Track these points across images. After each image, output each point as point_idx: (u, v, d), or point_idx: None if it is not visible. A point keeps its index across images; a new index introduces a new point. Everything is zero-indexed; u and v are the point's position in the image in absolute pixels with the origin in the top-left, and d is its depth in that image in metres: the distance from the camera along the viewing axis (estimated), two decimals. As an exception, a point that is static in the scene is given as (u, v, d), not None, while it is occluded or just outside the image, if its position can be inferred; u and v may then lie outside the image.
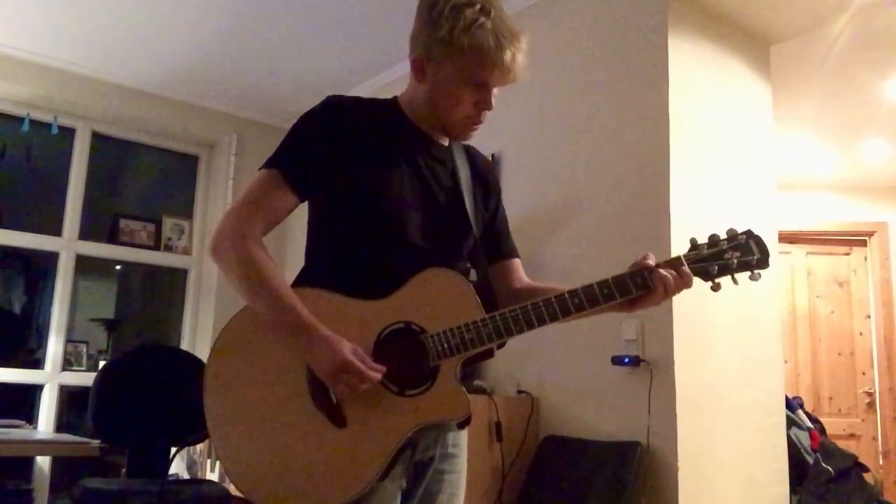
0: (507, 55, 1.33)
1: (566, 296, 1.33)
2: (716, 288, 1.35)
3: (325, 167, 1.38)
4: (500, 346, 1.37)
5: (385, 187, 1.38)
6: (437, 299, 1.34)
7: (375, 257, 1.38)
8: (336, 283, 1.35)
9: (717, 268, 1.34)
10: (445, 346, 1.31)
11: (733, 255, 1.34)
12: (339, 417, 1.28)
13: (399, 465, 1.32)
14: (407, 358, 1.31)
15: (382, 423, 1.28)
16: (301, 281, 1.41)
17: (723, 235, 1.36)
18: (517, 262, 1.58)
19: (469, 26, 1.32)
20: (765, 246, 1.35)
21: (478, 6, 1.33)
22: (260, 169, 1.40)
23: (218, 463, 3.84)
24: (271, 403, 1.31)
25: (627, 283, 1.33)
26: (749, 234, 1.36)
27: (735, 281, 1.35)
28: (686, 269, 1.34)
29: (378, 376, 1.26)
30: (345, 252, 1.39)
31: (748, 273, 1.35)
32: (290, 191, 1.37)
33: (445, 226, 1.44)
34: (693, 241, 1.37)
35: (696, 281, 1.34)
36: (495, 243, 1.56)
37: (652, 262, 1.34)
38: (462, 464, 1.48)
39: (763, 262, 1.34)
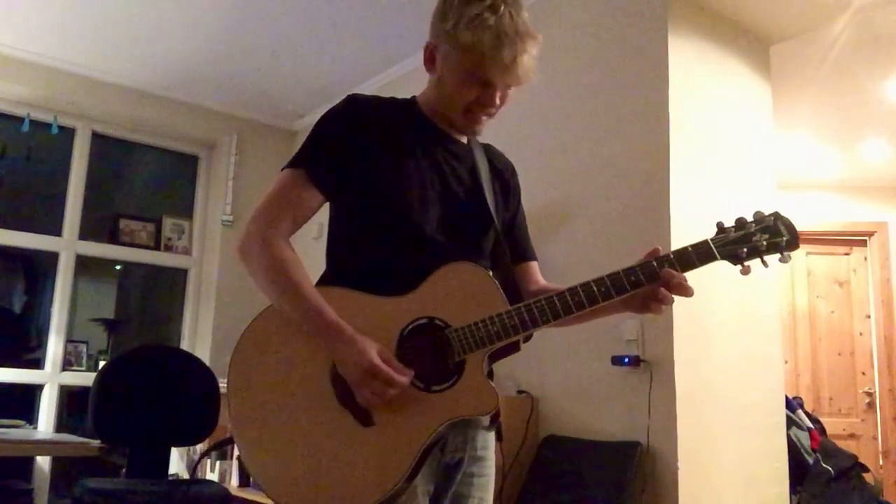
0: (506, 55, 1.29)
1: (591, 283, 1.30)
2: (745, 271, 1.31)
3: (349, 165, 1.37)
4: (527, 339, 1.34)
5: (404, 183, 1.37)
6: (460, 293, 1.32)
7: (395, 254, 1.36)
8: (358, 282, 1.34)
9: (745, 250, 1.31)
10: (470, 339, 1.28)
11: (762, 237, 1.31)
12: (365, 416, 1.27)
13: (427, 465, 1.29)
14: (432, 353, 1.29)
15: (409, 420, 1.26)
16: (324, 280, 1.40)
17: (749, 218, 1.33)
18: (535, 264, 1.57)
19: (471, 22, 1.30)
20: (793, 227, 1.32)
21: (488, 2, 1.30)
22: (283, 169, 1.39)
23: (219, 463, 3.84)
24: (296, 404, 1.29)
25: (653, 268, 1.30)
26: (777, 215, 1.33)
27: (765, 263, 1.32)
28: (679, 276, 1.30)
29: (406, 380, 1.24)
30: (366, 250, 1.38)
31: (778, 255, 1.31)
32: (316, 190, 1.36)
33: (465, 221, 1.43)
34: (720, 225, 1.33)
35: (699, 278, 1.33)
36: (514, 245, 1.54)
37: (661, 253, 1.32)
38: (491, 467, 1.45)
39: (793, 242, 1.31)
